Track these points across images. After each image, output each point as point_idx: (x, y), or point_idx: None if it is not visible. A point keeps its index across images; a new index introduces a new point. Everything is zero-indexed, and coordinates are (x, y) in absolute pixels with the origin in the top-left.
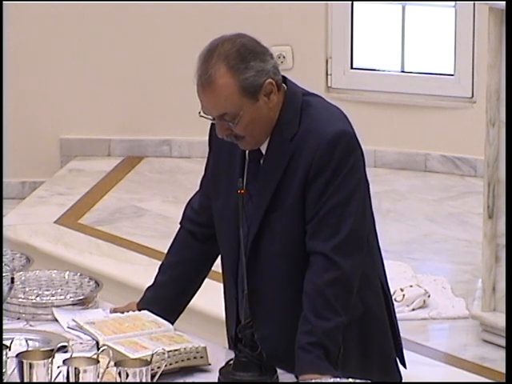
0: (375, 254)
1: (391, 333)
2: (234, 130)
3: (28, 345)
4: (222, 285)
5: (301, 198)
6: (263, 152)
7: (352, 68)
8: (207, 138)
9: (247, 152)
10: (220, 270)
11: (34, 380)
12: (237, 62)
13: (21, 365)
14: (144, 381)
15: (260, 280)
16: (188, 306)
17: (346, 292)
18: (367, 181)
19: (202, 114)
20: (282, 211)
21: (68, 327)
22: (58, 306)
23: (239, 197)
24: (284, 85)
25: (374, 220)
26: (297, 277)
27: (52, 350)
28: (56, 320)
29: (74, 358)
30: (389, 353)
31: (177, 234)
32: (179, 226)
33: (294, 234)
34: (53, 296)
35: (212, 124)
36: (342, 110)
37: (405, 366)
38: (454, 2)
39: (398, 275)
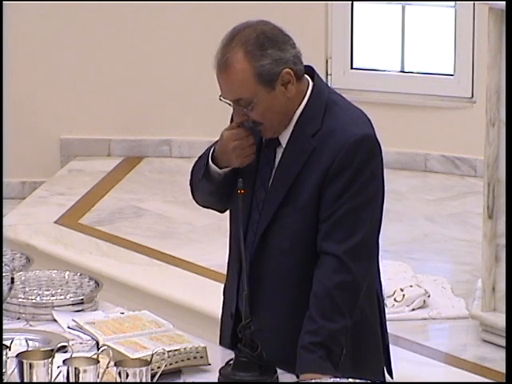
0: (375, 263)
1: (382, 342)
2: (250, 116)
3: (28, 345)
4: (221, 285)
5: (316, 195)
6: (282, 144)
7: (352, 68)
8: (207, 138)
9: (264, 140)
10: (220, 270)
11: (34, 380)
12: (254, 49)
13: (21, 365)
14: (144, 381)
15: (264, 274)
16: (188, 305)
17: (354, 296)
18: (384, 189)
19: (220, 97)
20: (295, 206)
21: (68, 327)
22: (58, 306)
23: (239, 197)
24: (308, 77)
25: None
26: (301, 274)
27: (52, 350)
28: (56, 320)
29: (74, 358)
30: (378, 361)
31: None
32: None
33: (303, 231)
34: (53, 296)
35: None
36: (365, 112)
37: (391, 376)
38: (453, 2)
39: (397, 275)
